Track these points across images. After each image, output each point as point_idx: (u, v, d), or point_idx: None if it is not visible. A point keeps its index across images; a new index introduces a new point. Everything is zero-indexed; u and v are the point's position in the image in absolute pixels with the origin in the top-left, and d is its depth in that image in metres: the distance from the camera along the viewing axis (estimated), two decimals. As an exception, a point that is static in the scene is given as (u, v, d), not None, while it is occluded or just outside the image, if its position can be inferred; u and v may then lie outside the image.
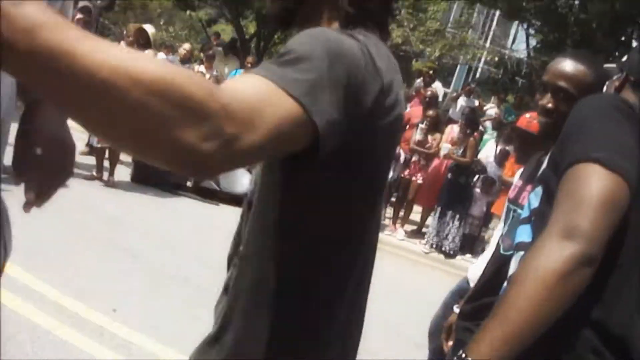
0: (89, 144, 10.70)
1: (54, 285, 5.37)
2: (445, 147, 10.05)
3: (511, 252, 2.51)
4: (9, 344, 4.24)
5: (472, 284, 3.88)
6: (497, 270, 2.76)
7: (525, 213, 2.26)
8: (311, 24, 1.41)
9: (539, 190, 2.09)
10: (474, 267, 4.03)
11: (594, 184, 1.64)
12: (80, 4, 10.47)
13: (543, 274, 1.56)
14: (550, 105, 2.55)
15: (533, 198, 2.16)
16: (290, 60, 1.18)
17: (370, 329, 5.90)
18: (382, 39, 1.49)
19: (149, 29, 9.96)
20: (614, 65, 2.61)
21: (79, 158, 10.18)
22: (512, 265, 2.22)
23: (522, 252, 2.11)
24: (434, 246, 10.46)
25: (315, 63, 1.19)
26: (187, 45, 13.28)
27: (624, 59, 2.23)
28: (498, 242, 2.90)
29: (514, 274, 1.82)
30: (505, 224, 3.02)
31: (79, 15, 9.72)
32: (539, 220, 1.98)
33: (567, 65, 2.57)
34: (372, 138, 1.36)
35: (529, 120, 4.24)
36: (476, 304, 2.92)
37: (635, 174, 1.69)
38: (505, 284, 2.25)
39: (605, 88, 2.34)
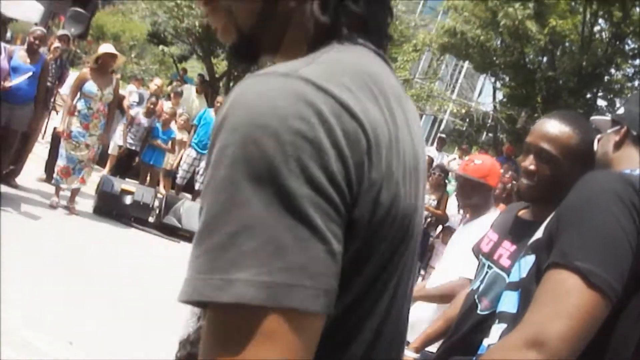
0: (46, 171, 10.68)
1: (15, 316, 5.32)
2: (427, 199, 10.10)
3: (488, 313, 2.54)
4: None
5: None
6: (473, 329, 2.72)
7: (513, 278, 2.20)
8: (281, 53, 1.19)
9: (531, 259, 2.02)
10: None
11: (572, 297, 1.62)
12: (60, 32, 10.51)
13: None
14: (532, 167, 2.48)
15: (523, 266, 2.09)
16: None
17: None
18: (379, 47, 1.18)
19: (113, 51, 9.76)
20: (602, 117, 2.49)
21: (38, 185, 10.13)
22: (492, 335, 2.19)
23: (504, 325, 2.11)
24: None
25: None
26: (158, 81, 13.36)
27: (620, 111, 2.19)
28: (474, 300, 2.79)
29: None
30: (478, 279, 2.86)
31: (56, 44, 9.76)
32: (525, 295, 1.96)
33: (551, 126, 2.48)
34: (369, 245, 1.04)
35: (467, 163, 4.36)
36: None
37: (622, 282, 1.66)
38: (484, 345, 2.26)
39: (595, 144, 2.26)
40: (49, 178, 10.32)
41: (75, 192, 9.74)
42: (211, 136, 0.98)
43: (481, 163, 4.16)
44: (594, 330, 1.63)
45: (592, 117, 2.68)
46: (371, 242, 1.03)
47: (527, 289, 1.96)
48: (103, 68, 9.49)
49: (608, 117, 2.32)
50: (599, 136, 2.26)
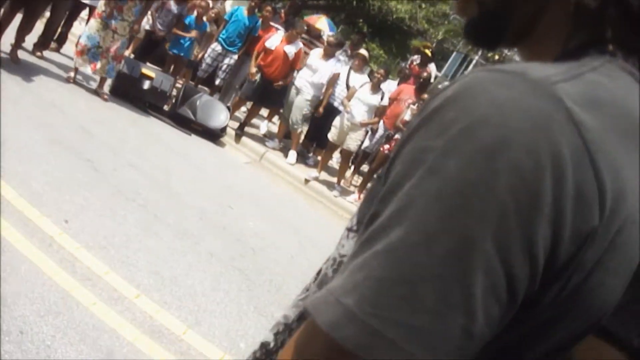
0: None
1: (11, 185, 5.19)
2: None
3: None
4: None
5: None
6: None
7: None
8: (528, 43, 0.93)
9: None
10: None
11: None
12: None
13: None
14: None
15: None
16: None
17: (298, 286, 5.82)
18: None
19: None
20: None
21: (52, 55, 9.96)
22: None
23: None
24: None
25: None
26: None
27: None
28: None
29: None
30: None
31: None
32: None
33: None
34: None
35: None
36: None
37: None
38: None
39: None
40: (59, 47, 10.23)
41: (104, 79, 9.53)
42: (416, 118, 0.80)
43: None
44: None
45: None
46: (546, 326, 0.84)
47: None
48: None
49: None
50: None
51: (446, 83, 15.71)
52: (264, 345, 1.26)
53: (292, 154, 11.17)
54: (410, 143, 0.78)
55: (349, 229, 1.18)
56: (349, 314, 0.74)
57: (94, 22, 9.05)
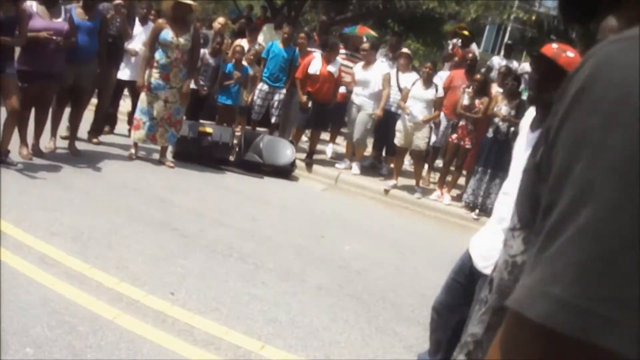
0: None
1: (110, 273, 5.21)
2: (505, 110, 9.69)
3: None
4: (69, 337, 4.09)
5: (475, 260, 3.57)
6: None
7: None
8: (623, 9, 0.95)
9: None
10: (476, 238, 3.71)
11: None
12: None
13: None
14: None
15: None
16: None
17: (412, 295, 5.70)
18: None
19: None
20: None
21: (107, 138, 10.09)
22: None
23: None
24: (470, 205, 10.15)
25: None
26: (221, 19, 13.02)
27: None
28: None
29: None
30: None
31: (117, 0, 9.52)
32: None
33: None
34: None
35: (556, 50, 3.32)
36: None
37: None
38: None
39: None
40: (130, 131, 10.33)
41: (165, 148, 9.62)
42: (559, 105, 0.83)
43: (574, 56, 3.29)
44: None
45: None
46: None
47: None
48: (178, 16, 9.13)
49: None
50: None
51: (498, 59, 15.46)
52: None
53: (355, 166, 11.19)
54: (564, 130, 0.81)
55: (512, 229, 1.21)
56: (559, 301, 0.74)
57: (144, 96, 9.15)
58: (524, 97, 10.10)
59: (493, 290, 1.35)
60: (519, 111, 9.60)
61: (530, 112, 3.46)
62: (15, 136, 7.66)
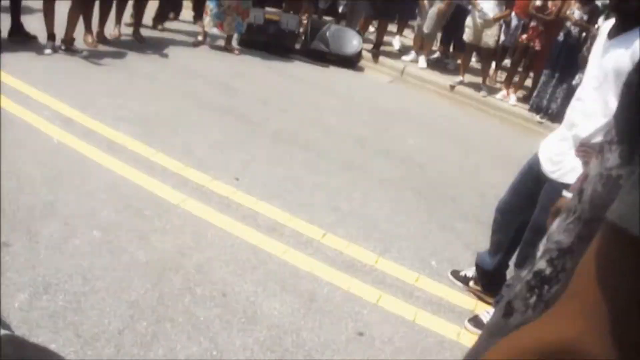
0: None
1: (176, 158, 5.28)
2: (578, 14, 9.37)
3: None
4: (136, 220, 4.19)
5: (543, 163, 3.48)
6: None
7: None
8: None
9: None
10: (546, 143, 3.61)
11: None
12: None
13: None
14: None
15: None
16: None
17: (472, 193, 5.66)
18: None
19: None
20: None
21: (172, 24, 10.04)
22: None
23: None
24: (534, 106, 9.97)
25: None
26: None
27: None
28: None
29: None
30: None
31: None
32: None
33: None
34: None
35: None
36: None
37: None
38: None
39: None
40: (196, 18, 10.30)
41: (231, 35, 9.56)
42: None
43: None
44: None
45: None
46: None
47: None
48: None
49: None
50: None
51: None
52: (537, 274, 1.22)
53: (422, 59, 11.00)
54: None
55: (609, 142, 1.11)
56: None
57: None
58: (598, 2, 9.77)
59: (583, 200, 1.30)
60: (592, 16, 9.30)
61: (610, 20, 3.31)
62: (80, 24, 7.66)
